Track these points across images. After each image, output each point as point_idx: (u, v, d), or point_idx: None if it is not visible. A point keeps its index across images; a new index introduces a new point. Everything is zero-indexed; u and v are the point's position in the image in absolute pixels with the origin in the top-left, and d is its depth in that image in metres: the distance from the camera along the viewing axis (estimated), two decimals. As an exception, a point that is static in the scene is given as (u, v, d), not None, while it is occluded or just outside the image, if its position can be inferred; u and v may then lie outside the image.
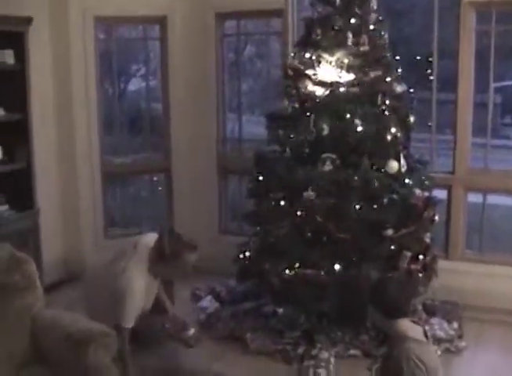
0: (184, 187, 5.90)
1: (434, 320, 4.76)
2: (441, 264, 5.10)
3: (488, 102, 5.19)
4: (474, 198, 5.49)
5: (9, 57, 4.77)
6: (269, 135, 4.76)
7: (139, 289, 3.79)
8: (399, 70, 4.75)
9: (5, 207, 4.88)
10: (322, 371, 4.20)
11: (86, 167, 5.62)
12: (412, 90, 4.81)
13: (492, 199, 5.79)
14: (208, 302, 5.07)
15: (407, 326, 3.14)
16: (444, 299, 5.05)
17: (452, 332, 4.66)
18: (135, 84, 7.98)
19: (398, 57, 4.73)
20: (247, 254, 4.72)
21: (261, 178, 4.74)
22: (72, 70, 5.52)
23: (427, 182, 4.76)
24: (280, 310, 4.78)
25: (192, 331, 4.19)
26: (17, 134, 4.92)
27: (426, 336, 3.18)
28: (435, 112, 5.27)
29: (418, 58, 5.09)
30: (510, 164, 5.71)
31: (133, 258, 3.87)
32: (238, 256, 4.76)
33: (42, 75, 5.35)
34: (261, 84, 6.79)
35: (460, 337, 4.68)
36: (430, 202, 4.72)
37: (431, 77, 5.21)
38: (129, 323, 3.78)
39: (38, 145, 5.08)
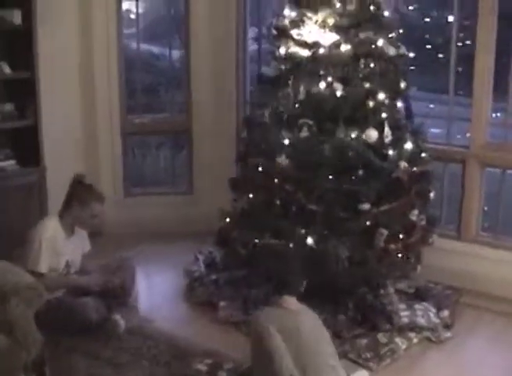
0: (204, 149, 5.81)
1: (420, 306, 4.34)
2: (452, 245, 4.77)
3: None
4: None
5: (16, 17, 4.90)
6: (254, 97, 4.56)
7: (49, 235, 4.00)
8: (399, 31, 4.36)
9: (12, 162, 5.08)
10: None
11: (106, 126, 5.69)
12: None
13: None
14: (197, 267, 4.98)
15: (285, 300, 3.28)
16: (448, 284, 4.65)
17: (436, 320, 4.24)
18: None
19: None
20: (227, 220, 4.59)
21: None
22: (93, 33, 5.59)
23: (423, 155, 4.35)
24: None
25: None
26: (27, 92, 5.06)
27: None
28: (453, 78, 4.78)
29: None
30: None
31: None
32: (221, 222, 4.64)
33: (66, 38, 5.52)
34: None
35: (447, 326, 4.26)
36: (421, 177, 4.32)
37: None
38: (41, 267, 3.93)
39: (47, 103, 5.17)
